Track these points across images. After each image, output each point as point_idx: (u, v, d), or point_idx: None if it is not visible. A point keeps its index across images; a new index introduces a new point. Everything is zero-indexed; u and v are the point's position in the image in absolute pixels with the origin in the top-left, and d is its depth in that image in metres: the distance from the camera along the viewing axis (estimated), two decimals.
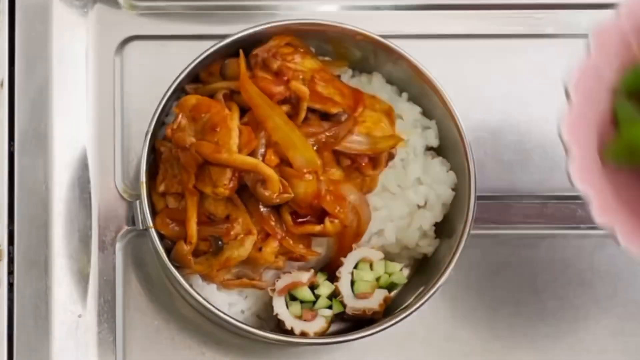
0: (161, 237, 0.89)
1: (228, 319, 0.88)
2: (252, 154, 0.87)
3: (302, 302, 0.91)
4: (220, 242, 0.87)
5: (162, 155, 0.91)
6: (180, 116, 0.89)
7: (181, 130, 0.88)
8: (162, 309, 0.99)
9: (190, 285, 0.88)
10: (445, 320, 1.00)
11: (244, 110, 0.90)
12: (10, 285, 0.95)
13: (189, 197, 0.88)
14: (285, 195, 0.86)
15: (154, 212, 0.90)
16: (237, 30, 0.92)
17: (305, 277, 0.90)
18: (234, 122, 0.87)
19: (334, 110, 0.90)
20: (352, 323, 0.93)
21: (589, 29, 0.81)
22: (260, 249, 0.88)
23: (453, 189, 0.94)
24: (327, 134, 0.89)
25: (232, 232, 0.87)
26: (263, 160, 0.87)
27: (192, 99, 0.89)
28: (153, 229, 0.89)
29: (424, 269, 0.95)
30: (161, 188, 0.90)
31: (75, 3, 1.03)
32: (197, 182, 0.87)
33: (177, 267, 0.88)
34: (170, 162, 0.90)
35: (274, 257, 0.89)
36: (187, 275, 0.89)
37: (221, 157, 0.85)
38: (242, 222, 0.88)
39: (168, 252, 0.89)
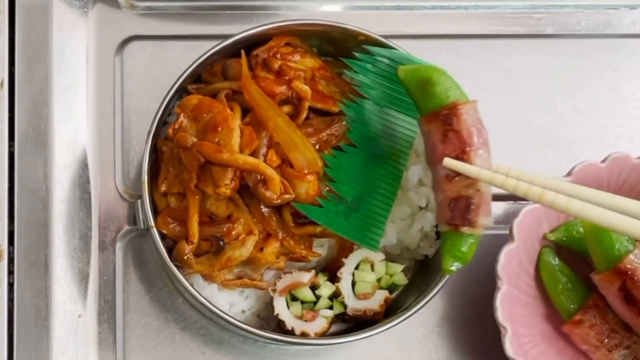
0: (162, 236, 0.89)
1: (229, 318, 0.87)
2: (254, 154, 0.87)
3: (302, 302, 0.91)
4: (222, 242, 0.87)
5: (164, 155, 0.91)
6: (181, 116, 0.89)
7: (183, 130, 0.88)
8: (162, 309, 0.99)
9: (192, 285, 0.88)
10: (445, 321, 1.01)
11: (245, 111, 0.90)
12: (10, 285, 0.95)
13: (191, 196, 0.88)
14: (286, 195, 0.86)
15: (155, 212, 0.90)
16: (237, 30, 0.92)
17: (306, 277, 0.90)
18: (236, 122, 0.87)
19: (336, 109, 0.90)
20: (353, 323, 0.94)
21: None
22: (261, 249, 0.88)
23: None
24: (329, 132, 0.89)
25: (233, 232, 0.87)
26: (264, 161, 0.87)
27: (193, 99, 0.89)
28: (155, 229, 0.89)
29: (425, 270, 0.95)
30: (163, 188, 0.90)
31: (75, 3, 1.03)
32: (198, 182, 0.87)
33: (178, 267, 0.88)
34: (172, 162, 0.90)
35: (275, 258, 0.89)
36: (188, 275, 0.89)
37: (222, 157, 0.85)
38: (244, 222, 0.88)
39: (169, 251, 0.89)
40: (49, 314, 0.96)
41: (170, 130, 0.88)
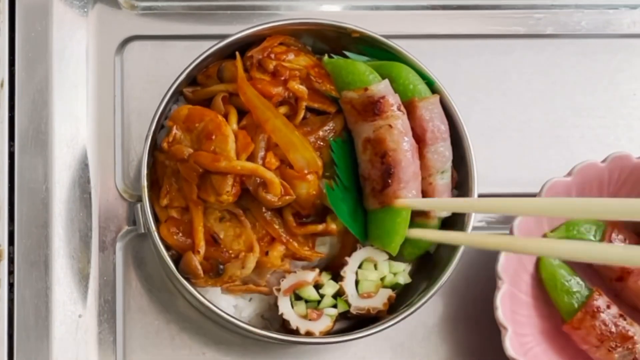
0: (167, 246, 0.89)
1: (235, 321, 0.87)
2: (252, 157, 0.87)
3: (306, 301, 0.90)
4: (221, 267, 0.87)
5: (166, 170, 0.90)
6: (174, 128, 0.88)
7: (177, 142, 0.88)
8: (162, 309, 0.98)
9: (195, 288, 0.88)
10: (445, 321, 1.00)
11: (242, 113, 0.90)
12: (10, 285, 0.95)
13: (194, 208, 0.87)
14: (287, 197, 0.86)
15: (157, 221, 0.90)
16: (237, 30, 0.92)
17: (310, 276, 0.89)
18: (229, 128, 0.87)
19: (332, 109, 0.91)
20: (355, 321, 0.93)
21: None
22: (266, 253, 0.88)
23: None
24: (326, 128, 0.90)
25: (231, 252, 0.87)
26: (263, 164, 0.86)
27: (183, 110, 0.89)
28: (156, 233, 0.88)
29: (426, 267, 0.95)
30: (164, 202, 0.90)
31: (75, 3, 1.03)
32: (200, 192, 0.87)
33: (187, 279, 0.88)
34: (175, 177, 0.89)
35: (280, 261, 0.88)
36: (195, 284, 0.89)
37: (220, 165, 0.85)
38: (245, 239, 0.88)
39: (170, 253, 0.88)
40: (49, 314, 0.96)
41: (165, 144, 0.88)
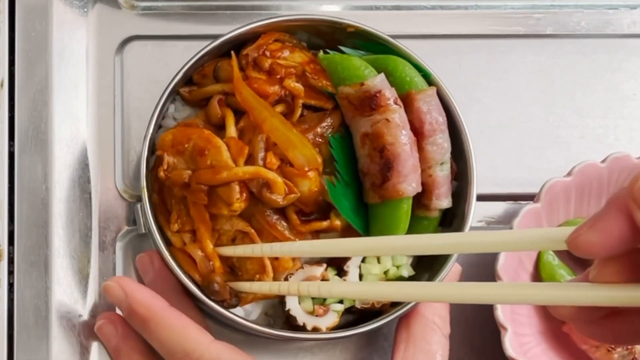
0: (163, 234, 0.89)
1: (241, 321, 0.87)
2: (252, 159, 0.87)
3: (313, 297, 0.90)
4: (237, 299, 0.88)
5: (174, 195, 0.89)
6: (165, 156, 0.88)
7: (173, 169, 0.88)
8: None
9: (195, 287, 0.88)
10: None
11: (239, 113, 0.90)
12: (10, 285, 0.95)
13: (201, 233, 0.87)
14: (292, 195, 0.86)
15: (168, 245, 0.90)
16: None
17: (318, 272, 0.89)
18: (219, 139, 0.87)
19: (329, 105, 0.91)
20: (359, 315, 0.93)
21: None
22: (277, 258, 0.88)
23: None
24: (324, 124, 0.90)
25: (247, 272, 0.88)
26: (264, 164, 0.86)
27: (168, 135, 0.88)
28: (156, 233, 0.88)
29: (426, 260, 0.94)
30: (175, 227, 0.89)
31: (75, 3, 1.03)
32: (211, 207, 0.86)
33: (216, 303, 0.88)
34: (184, 202, 0.89)
35: (291, 263, 0.88)
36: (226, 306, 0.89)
37: (222, 176, 0.85)
38: (257, 258, 0.87)
39: (170, 254, 0.89)
40: (49, 314, 0.95)
41: (162, 174, 0.87)
